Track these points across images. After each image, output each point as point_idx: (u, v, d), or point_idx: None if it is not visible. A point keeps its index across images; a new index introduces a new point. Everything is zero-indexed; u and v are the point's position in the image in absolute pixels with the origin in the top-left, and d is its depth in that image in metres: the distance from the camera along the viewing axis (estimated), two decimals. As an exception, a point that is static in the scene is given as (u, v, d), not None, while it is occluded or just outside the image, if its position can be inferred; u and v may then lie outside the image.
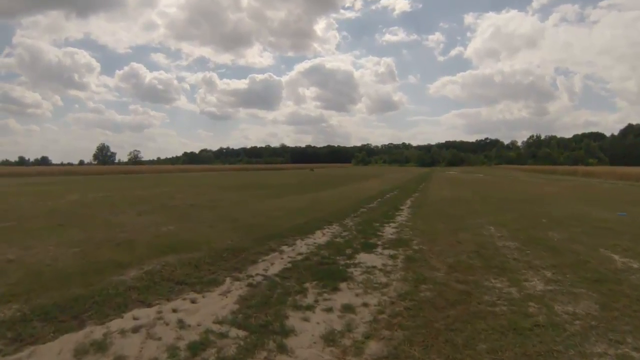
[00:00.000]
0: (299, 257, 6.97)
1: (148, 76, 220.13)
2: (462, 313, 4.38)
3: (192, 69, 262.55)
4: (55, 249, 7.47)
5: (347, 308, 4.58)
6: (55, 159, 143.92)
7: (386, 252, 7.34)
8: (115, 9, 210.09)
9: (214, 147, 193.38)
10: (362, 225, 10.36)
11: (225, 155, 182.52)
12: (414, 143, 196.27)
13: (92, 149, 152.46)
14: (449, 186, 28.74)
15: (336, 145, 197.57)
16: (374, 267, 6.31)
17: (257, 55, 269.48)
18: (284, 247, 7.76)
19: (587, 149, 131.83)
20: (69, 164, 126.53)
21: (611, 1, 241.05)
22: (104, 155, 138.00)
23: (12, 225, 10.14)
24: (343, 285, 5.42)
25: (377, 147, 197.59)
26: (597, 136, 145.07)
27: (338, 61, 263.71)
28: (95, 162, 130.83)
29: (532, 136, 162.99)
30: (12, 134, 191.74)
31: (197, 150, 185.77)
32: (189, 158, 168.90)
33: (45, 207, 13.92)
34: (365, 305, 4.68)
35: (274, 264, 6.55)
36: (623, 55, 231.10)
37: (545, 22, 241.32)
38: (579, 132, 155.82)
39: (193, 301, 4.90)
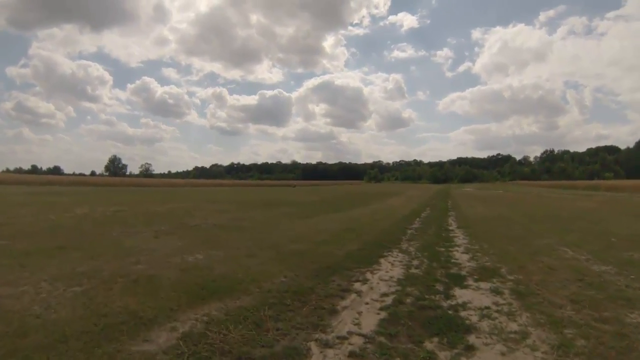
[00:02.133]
0: (387, 300, 5.49)
1: (159, 90, 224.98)
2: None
3: (203, 84, 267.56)
4: (50, 287, 5.50)
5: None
6: (67, 169, 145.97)
7: (482, 285, 6.30)
8: (128, 24, 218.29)
9: (224, 162, 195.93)
10: (425, 250, 9.27)
11: (236, 171, 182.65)
12: (425, 160, 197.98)
13: (104, 160, 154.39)
14: (479, 203, 28.06)
15: (347, 162, 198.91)
16: (487, 307, 5.16)
17: (266, 72, 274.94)
18: (357, 285, 6.22)
19: (603, 162, 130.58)
20: (81, 174, 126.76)
21: (618, 12, 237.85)
22: (115, 166, 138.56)
23: (2, 245, 8.25)
24: (472, 338, 4.18)
25: (388, 164, 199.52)
26: (612, 149, 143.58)
27: (347, 77, 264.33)
28: (107, 174, 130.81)
29: (546, 151, 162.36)
30: (26, 142, 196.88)
31: (207, 165, 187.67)
32: (200, 172, 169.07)
33: (48, 222, 12.04)
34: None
35: (362, 314, 4.95)
36: (633, 66, 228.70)
37: (553, 35, 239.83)
38: (591, 146, 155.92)
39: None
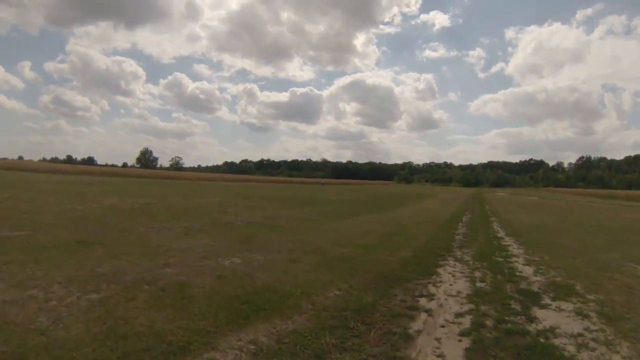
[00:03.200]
0: (465, 322, 4.74)
1: (191, 86, 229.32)
2: None
3: (234, 80, 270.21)
4: (63, 292, 4.62)
5: None
6: (100, 160, 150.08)
7: (563, 306, 5.58)
8: (161, 21, 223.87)
9: (254, 158, 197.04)
10: (483, 260, 8.61)
11: (266, 167, 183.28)
12: (455, 162, 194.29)
13: (136, 152, 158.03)
14: (519, 210, 27.33)
15: (377, 162, 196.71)
16: (580, 335, 4.50)
17: (297, 69, 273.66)
18: (424, 302, 5.45)
19: None
20: (113, 166, 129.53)
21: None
22: (146, 159, 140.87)
23: (21, 237, 7.54)
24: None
25: (418, 165, 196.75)
26: None
27: (378, 77, 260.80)
28: (138, 166, 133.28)
29: (582, 157, 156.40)
30: (63, 133, 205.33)
31: (237, 160, 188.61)
32: (230, 167, 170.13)
33: (73, 213, 11.39)
34: None
35: (441, 341, 4.18)
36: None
37: (590, 35, 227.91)
38: (629, 154, 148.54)
39: None
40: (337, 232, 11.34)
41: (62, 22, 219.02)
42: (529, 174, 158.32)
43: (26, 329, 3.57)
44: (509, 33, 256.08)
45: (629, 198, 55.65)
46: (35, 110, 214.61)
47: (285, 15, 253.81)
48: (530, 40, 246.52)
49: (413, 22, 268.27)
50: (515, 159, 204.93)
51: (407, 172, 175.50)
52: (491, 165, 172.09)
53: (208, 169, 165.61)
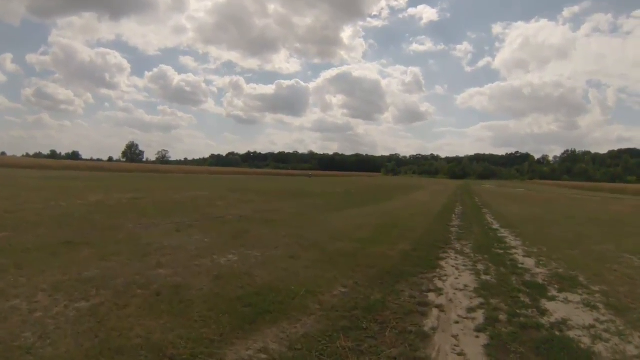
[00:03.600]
0: (478, 317, 4.64)
1: (176, 78, 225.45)
2: None
3: (220, 73, 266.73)
4: (48, 302, 4.23)
5: None
6: (85, 155, 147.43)
7: (570, 297, 5.59)
8: (146, 12, 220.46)
9: (240, 151, 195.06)
10: (484, 252, 8.54)
11: (253, 159, 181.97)
12: (442, 155, 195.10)
13: (121, 146, 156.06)
14: (508, 202, 27.38)
15: (364, 154, 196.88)
16: (592, 326, 4.48)
17: (283, 61, 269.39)
18: (433, 297, 5.33)
19: (626, 165, 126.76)
20: (99, 160, 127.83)
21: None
22: (132, 153, 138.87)
23: (1, 238, 7.05)
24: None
25: (405, 157, 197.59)
26: (634, 152, 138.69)
27: (365, 69, 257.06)
28: (124, 160, 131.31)
29: (567, 151, 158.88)
30: (46, 128, 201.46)
31: (224, 153, 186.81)
32: (216, 160, 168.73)
33: (57, 211, 10.87)
34: None
35: (458, 337, 4.06)
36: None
37: (576, 32, 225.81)
38: (612, 148, 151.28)
39: None
40: (331, 226, 11.17)
41: (45, 13, 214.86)
42: (515, 166, 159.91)
43: (9, 347, 3.21)
44: (496, 28, 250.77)
45: (614, 191, 56.17)
46: (17, 104, 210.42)
47: (272, 7, 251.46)
48: (517, 36, 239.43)
49: (401, 16, 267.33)
50: (501, 151, 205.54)
51: (394, 164, 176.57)
52: (478, 158, 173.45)
53: (195, 162, 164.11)
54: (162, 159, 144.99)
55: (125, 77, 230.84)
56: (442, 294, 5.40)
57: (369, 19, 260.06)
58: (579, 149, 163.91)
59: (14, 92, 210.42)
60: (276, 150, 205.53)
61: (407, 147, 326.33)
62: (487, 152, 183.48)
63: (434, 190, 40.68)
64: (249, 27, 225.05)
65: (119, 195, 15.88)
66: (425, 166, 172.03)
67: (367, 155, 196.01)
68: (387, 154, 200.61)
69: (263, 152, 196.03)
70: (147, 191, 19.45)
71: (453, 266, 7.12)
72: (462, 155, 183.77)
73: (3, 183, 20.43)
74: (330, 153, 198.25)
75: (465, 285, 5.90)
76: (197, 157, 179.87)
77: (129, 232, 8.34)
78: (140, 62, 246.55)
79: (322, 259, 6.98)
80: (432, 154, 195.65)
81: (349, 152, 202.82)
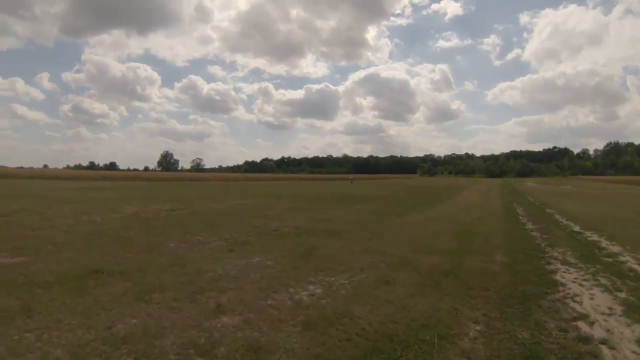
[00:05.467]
0: None
1: (206, 87, 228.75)
2: None
3: (248, 80, 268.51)
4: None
5: None
6: (122, 165, 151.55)
7: None
8: (172, 25, 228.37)
9: (273, 156, 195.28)
10: (591, 261, 7.38)
11: (287, 165, 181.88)
12: (476, 153, 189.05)
13: (156, 156, 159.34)
14: (566, 200, 24.95)
15: (398, 156, 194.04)
16: None
17: (311, 66, 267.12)
18: (584, 327, 4.20)
19: None
20: (135, 170, 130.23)
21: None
22: (167, 162, 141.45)
23: (18, 265, 5.73)
24: None
25: (439, 157, 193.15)
26: None
27: (392, 69, 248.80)
28: (159, 169, 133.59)
29: (609, 143, 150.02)
30: (84, 141, 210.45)
31: (257, 159, 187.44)
32: (251, 166, 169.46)
33: (88, 227, 9.57)
34: None
35: None
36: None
37: (608, 16, 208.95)
38: None
39: None
40: (404, 235, 9.89)
41: (76, 33, 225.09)
42: (554, 162, 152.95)
43: None
44: (523, 18, 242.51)
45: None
46: (56, 120, 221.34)
47: (294, 12, 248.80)
48: (545, 24, 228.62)
49: (424, 12, 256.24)
50: (537, 147, 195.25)
51: (429, 165, 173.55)
52: (514, 155, 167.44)
53: (229, 169, 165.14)
54: (197, 167, 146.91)
55: (156, 88, 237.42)
56: (591, 322, 4.35)
57: (392, 18, 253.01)
58: (621, 140, 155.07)
59: (52, 109, 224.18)
60: (309, 155, 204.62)
61: (440, 146, 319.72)
62: (522, 149, 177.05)
63: (479, 190, 38.57)
64: (273, 33, 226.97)
65: (156, 207, 14.59)
66: (460, 165, 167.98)
67: (401, 156, 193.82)
68: (420, 154, 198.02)
69: (297, 157, 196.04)
70: (186, 201, 18.15)
71: (573, 281, 6.03)
72: (496, 152, 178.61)
73: (37, 195, 19.65)
74: (364, 156, 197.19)
75: (610, 308, 4.83)
76: (230, 164, 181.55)
77: (171, 254, 6.83)
78: (169, 73, 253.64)
79: (422, 281, 5.66)
80: (466, 153, 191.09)
81: (382, 154, 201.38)
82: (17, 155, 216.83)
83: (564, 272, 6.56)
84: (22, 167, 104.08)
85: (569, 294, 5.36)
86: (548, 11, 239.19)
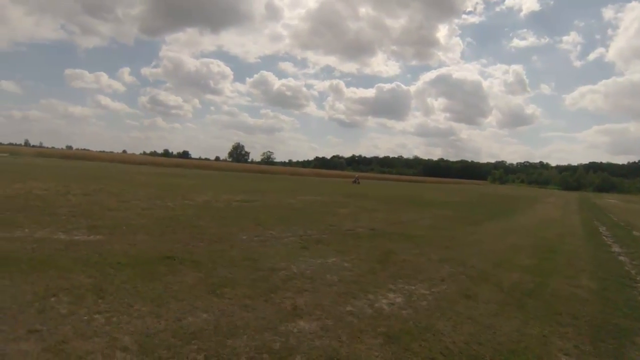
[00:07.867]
0: None
1: (277, 83, 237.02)
2: None
3: (319, 77, 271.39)
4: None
5: None
6: (194, 154, 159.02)
7: None
8: (244, 24, 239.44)
9: (344, 154, 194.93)
10: None
11: (357, 163, 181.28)
12: (550, 162, 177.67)
13: (227, 147, 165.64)
14: None
15: (469, 161, 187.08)
16: None
17: (381, 64, 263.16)
18: None
19: None
20: (206, 159, 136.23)
21: None
22: (238, 153, 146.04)
23: (94, 243, 5.82)
24: None
25: (512, 164, 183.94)
26: None
27: (464, 70, 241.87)
28: (230, 160, 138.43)
29: None
30: (160, 130, 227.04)
31: (327, 156, 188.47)
32: (321, 163, 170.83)
33: (162, 212, 9.84)
34: None
35: None
36: None
37: None
38: None
39: None
40: (481, 246, 9.47)
41: (154, 32, 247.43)
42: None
43: None
44: (607, 12, 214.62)
45: None
46: (135, 110, 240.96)
47: (363, 10, 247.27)
48: (633, 19, 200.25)
49: (497, 9, 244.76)
50: (620, 160, 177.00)
51: (501, 172, 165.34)
52: (593, 167, 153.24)
53: (299, 164, 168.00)
54: (267, 160, 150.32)
55: (228, 83, 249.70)
56: None
57: (464, 16, 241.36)
58: None
59: (132, 100, 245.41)
60: (380, 154, 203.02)
61: (512, 153, 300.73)
62: (604, 161, 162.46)
63: (555, 203, 35.79)
64: (343, 31, 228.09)
65: (227, 197, 14.86)
66: (533, 175, 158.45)
67: (472, 161, 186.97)
68: (492, 160, 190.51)
69: (367, 156, 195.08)
70: (258, 193, 18.40)
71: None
72: (573, 163, 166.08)
73: (115, 177, 20.91)
74: (435, 158, 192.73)
75: None
76: (300, 159, 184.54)
77: (243, 247, 6.72)
78: (241, 69, 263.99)
79: (505, 299, 5.23)
80: (540, 162, 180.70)
81: (452, 158, 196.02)
82: (99, 141, 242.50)
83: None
84: (103, 151, 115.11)
85: None
86: (635, 4, 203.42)
